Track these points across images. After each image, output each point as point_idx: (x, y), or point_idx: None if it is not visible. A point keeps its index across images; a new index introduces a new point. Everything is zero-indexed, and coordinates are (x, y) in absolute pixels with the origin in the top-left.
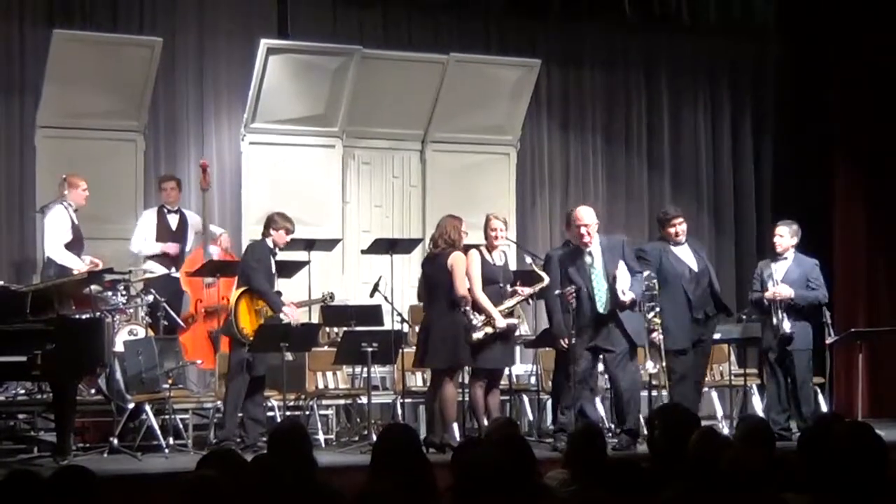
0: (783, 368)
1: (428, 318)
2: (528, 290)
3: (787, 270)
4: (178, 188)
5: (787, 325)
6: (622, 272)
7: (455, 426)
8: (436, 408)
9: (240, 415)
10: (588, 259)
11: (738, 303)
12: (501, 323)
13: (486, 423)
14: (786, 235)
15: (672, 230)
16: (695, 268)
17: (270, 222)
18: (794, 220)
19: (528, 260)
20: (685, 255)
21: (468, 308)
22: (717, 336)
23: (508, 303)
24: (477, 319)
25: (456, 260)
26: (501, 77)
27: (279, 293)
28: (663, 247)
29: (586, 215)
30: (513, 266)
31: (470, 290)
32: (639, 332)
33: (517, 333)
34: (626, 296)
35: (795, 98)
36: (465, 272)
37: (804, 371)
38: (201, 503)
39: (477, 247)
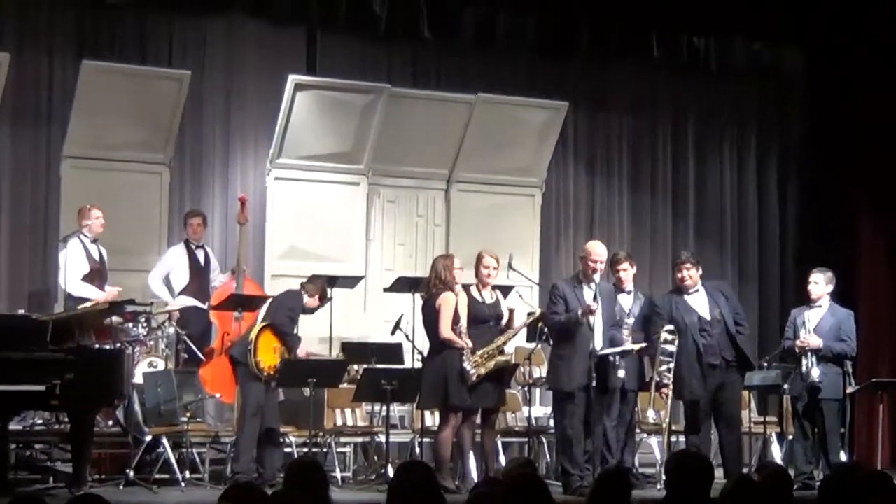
0: (810, 418)
1: (423, 361)
2: (518, 325)
3: (820, 318)
4: (204, 224)
5: (815, 374)
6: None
7: (473, 468)
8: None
9: (255, 451)
10: (589, 292)
11: (759, 350)
12: (468, 365)
13: (490, 464)
14: (821, 283)
15: (679, 275)
16: (707, 315)
17: (316, 289)
18: (828, 268)
19: (518, 294)
20: (698, 302)
21: (465, 353)
22: None
23: (499, 340)
24: (469, 362)
25: (444, 300)
26: (528, 118)
27: (299, 338)
28: (674, 297)
29: (603, 253)
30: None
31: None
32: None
33: (536, 376)
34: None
35: (822, 147)
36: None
37: (833, 420)
38: None
39: (467, 286)
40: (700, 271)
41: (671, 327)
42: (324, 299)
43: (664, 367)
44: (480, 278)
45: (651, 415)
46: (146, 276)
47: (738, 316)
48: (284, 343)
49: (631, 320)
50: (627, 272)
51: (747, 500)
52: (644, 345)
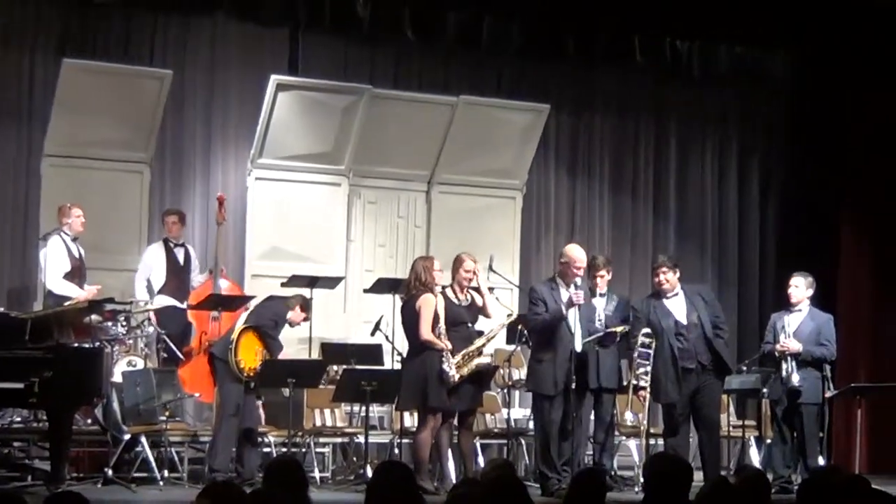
0: (789, 422)
1: (403, 362)
2: (496, 328)
3: (800, 323)
4: (181, 222)
5: (795, 379)
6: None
7: (451, 469)
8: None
9: (233, 449)
10: (567, 295)
11: (738, 354)
12: (450, 370)
13: (468, 465)
14: (801, 286)
15: (656, 279)
16: (683, 320)
17: (296, 301)
18: (808, 272)
19: (495, 296)
20: (675, 306)
21: (445, 355)
22: None
23: (478, 342)
24: (448, 364)
25: (424, 302)
26: (510, 121)
27: (281, 345)
28: (652, 301)
29: (584, 257)
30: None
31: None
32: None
33: (515, 378)
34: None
35: (804, 153)
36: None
37: (812, 424)
38: None
39: (444, 289)
40: (678, 274)
41: (648, 330)
42: (306, 311)
43: (641, 370)
44: (458, 281)
45: (629, 417)
46: (125, 276)
47: (718, 320)
48: (266, 347)
49: (602, 319)
50: (605, 278)
51: (724, 503)
52: (626, 327)
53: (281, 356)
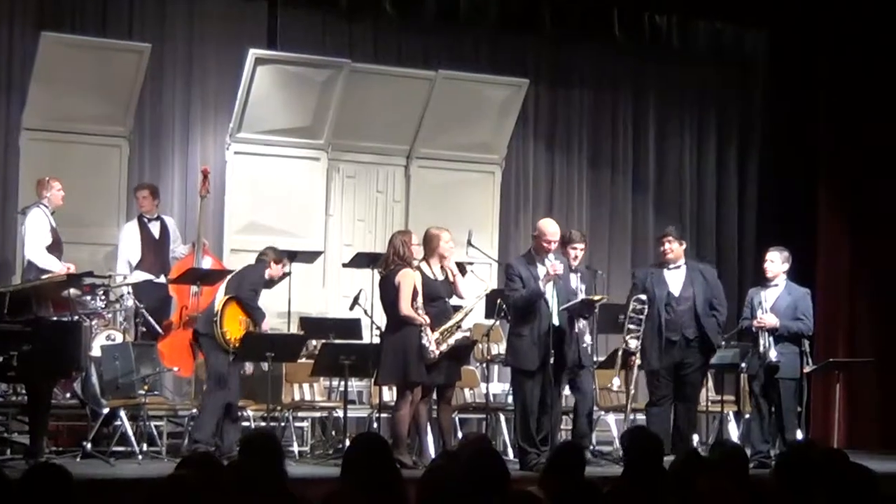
0: (767, 397)
1: (382, 337)
2: (472, 302)
3: (777, 298)
4: (153, 196)
5: (773, 354)
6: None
7: (430, 444)
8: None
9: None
10: (543, 270)
11: None
12: (430, 346)
13: (447, 440)
14: (776, 261)
15: (661, 248)
16: (676, 292)
17: (270, 257)
18: (784, 247)
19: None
20: (674, 278)
21: (424, 329)
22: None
23: (457, 316)
24: (428, 339)
25: (403, 277)
26: (489, 95)
27: (264, 313)
28: (652, 270)
29: (556, 231)
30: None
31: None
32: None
33: (494, 353)
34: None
35: (781, 129)
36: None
37: (790, 399)
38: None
39: (419, 264)
40: (684, 246)
41: (643, 297)
42: (282, 261)
43: (630, 335)
44: (440, 253)
45: (615, 382)
46: (104, 250)
47: (716, 300)
48: (250, 317)
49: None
50: (582, 252)
51: (696, 474)
52: (605, 297)
53: (266, 329)
